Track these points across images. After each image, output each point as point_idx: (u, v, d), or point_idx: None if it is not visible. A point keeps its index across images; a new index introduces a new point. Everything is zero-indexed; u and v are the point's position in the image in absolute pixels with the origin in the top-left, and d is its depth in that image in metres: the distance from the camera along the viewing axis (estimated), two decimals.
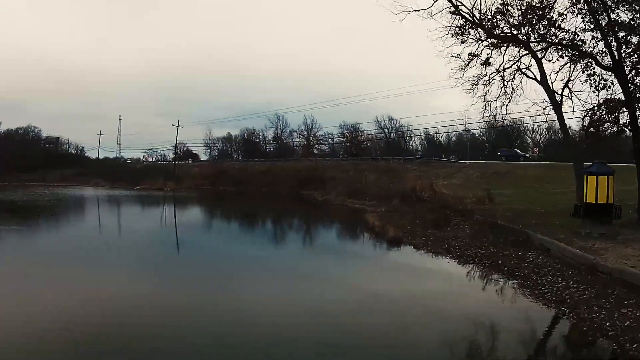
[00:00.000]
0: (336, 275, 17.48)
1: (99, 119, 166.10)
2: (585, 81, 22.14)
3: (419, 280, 16.92)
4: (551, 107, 25.06)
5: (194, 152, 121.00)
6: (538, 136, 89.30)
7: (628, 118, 20.67)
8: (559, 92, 24.56)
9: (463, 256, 19.29)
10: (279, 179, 64.06)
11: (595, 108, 20.88)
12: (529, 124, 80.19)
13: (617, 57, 20.59)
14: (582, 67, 22.46)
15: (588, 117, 22.23)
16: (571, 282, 13.72)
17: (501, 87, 25.58)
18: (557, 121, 28.02)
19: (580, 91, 24.17)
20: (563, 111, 25.11)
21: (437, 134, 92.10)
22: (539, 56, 24.47)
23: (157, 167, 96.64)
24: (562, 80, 24.43)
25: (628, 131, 21.22)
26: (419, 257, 20.40)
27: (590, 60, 21.93)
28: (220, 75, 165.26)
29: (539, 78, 24.91)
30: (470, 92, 25.91)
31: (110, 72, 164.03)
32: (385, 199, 38.34)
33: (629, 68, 20.58)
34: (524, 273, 15.80)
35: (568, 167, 50.56)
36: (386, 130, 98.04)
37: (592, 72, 21.93)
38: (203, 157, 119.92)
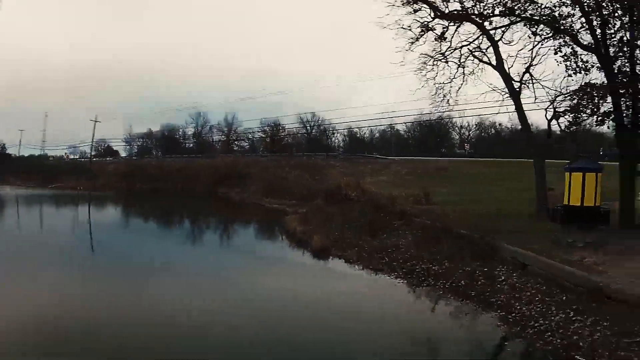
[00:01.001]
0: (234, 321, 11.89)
1: (25, 115, 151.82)
2: (563, 63, 18.94)
3: (356, 321, 11.61)
4: (508, 95, 21.55)
5: (114, 149, 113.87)
6: (467, 132, 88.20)
7: (612, 106, 17.54)
8: (518, 78, 21.30)
9: (412, 274, 15.05)
10: (197, 177, 59.94)
11: (572, 94, 17.23)
12: (457, 119, 78.18)
13: (599, 36, 17.41)
14: (556, 47, 19.11)
15: (553, 107, 19.58)
16: (572, 314, 10.14)
17: (457, 70, 22.35)
18: (511, 114, 24.12)
19: (543, 78, 20.86)
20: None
21: (359, 128, 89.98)
22: (496, 38, 21.35)
23: (76, 165, 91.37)
24: (524, 63, 21.20)
25: (610, 121, 18.08)
26: (353, 277, 16.01)
27: (567, 38, 18.54)
28: (145, 70, 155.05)
29: (494, 62, 21.56)
30: (420, 72, 22.56)
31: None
32: (307, 198, 34.17)
33: (615, 49, 17.59)
34: (501, 300, 11.98)
35: (506, 164, 50.66)
36: (308, 126, 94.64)
37: (572, 52, 18.52)
38: (123, 153, 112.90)
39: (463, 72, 22.39)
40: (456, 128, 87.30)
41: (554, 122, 19.25)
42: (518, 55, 21.04)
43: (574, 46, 18.42)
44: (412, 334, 10.76)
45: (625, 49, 17.50)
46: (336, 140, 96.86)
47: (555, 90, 19.89)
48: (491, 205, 23.52)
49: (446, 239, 16.80)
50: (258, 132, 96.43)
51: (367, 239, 19.98)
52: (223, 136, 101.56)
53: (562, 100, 18.84)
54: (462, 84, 22.50)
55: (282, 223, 26.86)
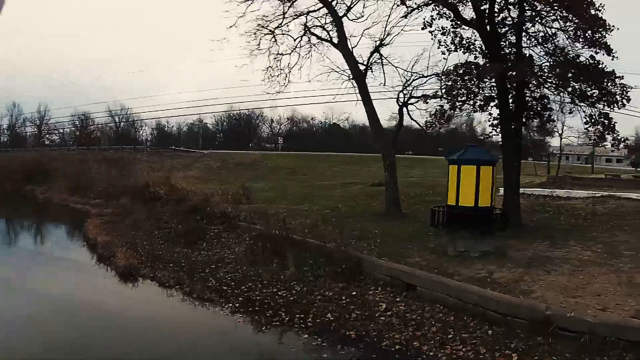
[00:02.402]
0: None
1: None
2: (435, 39, 16.06)
3: None
4: (351, 77, 18.48)
5: None
6: (278, 126, 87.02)
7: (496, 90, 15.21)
8: (364, 59, 18.46)
9: (253, 305, 10.66)
10: (4, 172, 50.55)
11: (447, 75, 14.51)
12: (267, 109, 77.68)
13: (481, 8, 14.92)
14: (427, 20, 16.03)
15: (407, 90, 17.65)
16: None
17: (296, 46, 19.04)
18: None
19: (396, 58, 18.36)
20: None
21: (167, 122, 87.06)
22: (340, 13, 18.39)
23: None
24: (372, 39, 18.42)
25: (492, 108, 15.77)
26: (173, 309, 11.14)
27: (444, 10, 15.63)
28: None
29: (335, 40, 18.48)
30: (252, 42, 18.95)
31: None
32: (113, 197, 28.54)
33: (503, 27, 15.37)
34: (398, 342, 8.47)
35: (324, 158, 49.41)
36: (116, 119, 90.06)
37: (455, 24, 15.62)
38: None
39: (299, 50, 19.15)
40: (267, 122, 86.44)
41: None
42: (366, 34, 18.36)
43: (455, 21, 15.64)
44: None
45: (511, 29, 15.36)
46: (144, 134, 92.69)
47: (410, 72, 17.26)
48: (323, 204, 20.46)
49: (287, 251, 12.77)
50: (68, 124, 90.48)
51: (184, 250, 15.32)
52: (35, 129, 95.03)
53: (418, 85, 17.06)
54: (296, 64, 19.26)
55: (84, 230, 20.32)
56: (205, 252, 14.89)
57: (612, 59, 14.04)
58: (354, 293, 10.40)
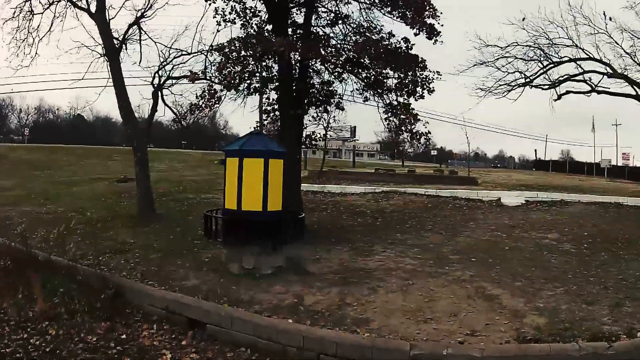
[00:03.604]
0: None
1: None
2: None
3: None
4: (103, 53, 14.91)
5: None
6: (26, 117, 79.91)
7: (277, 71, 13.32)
8: (120, 34, 15.07)
9: None
10: None
11: (224, 49, 12.02)
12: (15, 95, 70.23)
13: None
14: None
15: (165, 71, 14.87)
16: None
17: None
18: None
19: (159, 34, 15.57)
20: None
21: None
22: None
23: None
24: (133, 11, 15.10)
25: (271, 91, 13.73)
26: None
27: None
28: None
29: (93, 8, 14.76)
30: None
31: None
32: None
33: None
34: None
35: (68, 151, 43.39)
36: None
37: None
38: None
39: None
40: (16, 112, 79.03)
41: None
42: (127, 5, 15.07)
43: None
44: None
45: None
46: None
47: (176, 50, 14.74)
48: (69, 204, 16.93)
49: (32, 275, 9.01)
50: None
51: None
52: None
53: (180, 64, 14.52)
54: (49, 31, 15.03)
55: None
56: None
57: (434, 43, 13.01)
58: (124, 337, 7.37)
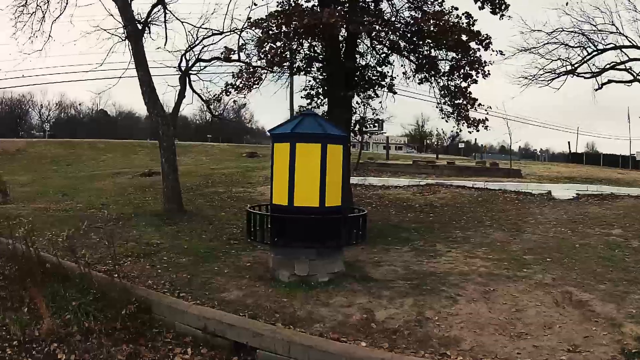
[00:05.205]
0: None
1: None
2: None
3: None
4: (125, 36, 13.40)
5: None
6: (47, 112, 79.31)
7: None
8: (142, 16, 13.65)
9: None
10: None
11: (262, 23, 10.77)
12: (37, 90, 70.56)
13: None
14: None
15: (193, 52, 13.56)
16: None
17: None
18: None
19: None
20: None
21: None
22: None
23: None
24: None
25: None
26: None
27: None
28: None
29: None
30: None
31: None
32: None
33: None
34: None
35: (90, 145, 43.00)
36: None
37: None
38: None
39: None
40: (37, 108, 78.72)
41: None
42: None
43: None
44: None
45: None
46: None
47: (206, 29, 13.37)
48: (89, 200, 15.78)
49: (39, 284, 7.56)
50: None
51: None
52: None
53: (209, 45, 13.15)
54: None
55: None
56: None
57: (501, 18, 11.83)
58: None
